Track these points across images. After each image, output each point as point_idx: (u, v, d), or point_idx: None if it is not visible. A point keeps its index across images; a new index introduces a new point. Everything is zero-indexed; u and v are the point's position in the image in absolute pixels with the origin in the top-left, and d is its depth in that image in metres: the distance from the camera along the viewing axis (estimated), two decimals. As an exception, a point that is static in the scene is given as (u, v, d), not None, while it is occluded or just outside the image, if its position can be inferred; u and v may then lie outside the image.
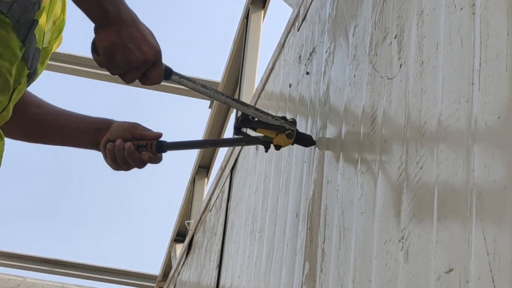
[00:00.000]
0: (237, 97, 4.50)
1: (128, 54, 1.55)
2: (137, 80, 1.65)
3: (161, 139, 1.87)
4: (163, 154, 1.88)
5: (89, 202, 12.24)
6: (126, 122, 1.91)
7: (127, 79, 1.61)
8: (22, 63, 1.55)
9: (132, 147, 1.84)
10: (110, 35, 1.52)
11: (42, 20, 1.62)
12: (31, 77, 1.62)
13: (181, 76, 1.76)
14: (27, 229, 12.25)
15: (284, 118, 1.90)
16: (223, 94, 1.86)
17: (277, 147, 1.91)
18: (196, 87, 1.81)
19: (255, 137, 1.93)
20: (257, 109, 1.89)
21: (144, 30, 1.58)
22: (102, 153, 1.87)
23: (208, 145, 2.07)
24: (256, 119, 1.89)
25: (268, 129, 1.89)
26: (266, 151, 1.94)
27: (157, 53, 1.61)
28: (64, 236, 12.39)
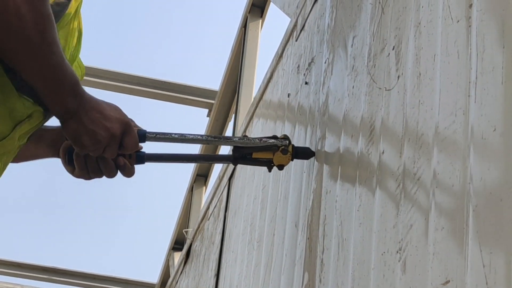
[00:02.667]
0: (235, 106, 4.51)
1: (94, 135, 1.63)
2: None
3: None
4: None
5: (87, 211, 12.23)
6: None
7: (108, 155, 1.68)
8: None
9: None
10: (72, 125, 1.59)
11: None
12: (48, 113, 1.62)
13: (156, 134, 1.79)
14: (25, 237, 12.24)
15: (274, 137, 1.91)
16: (204, 137, 1.87)
17: (280, 167, 1.91)
18: (174, 138, 1.82)
19: (256, 160, 1.92)
20: (242, 138, 1.90)
21: (104, 110, 1.65)
22: (62, 158, 1.82)
23: (195, 160, 2.05)
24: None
25: (263, 151, 1.90)
26: (270, 171, 1.95)
27: (123, 124, 1.67)
28: (62, 245, 12.39)
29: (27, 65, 1.47)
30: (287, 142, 1.90)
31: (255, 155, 1.90)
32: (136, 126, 1.77)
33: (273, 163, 1.90)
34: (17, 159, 1.78)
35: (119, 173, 1.81)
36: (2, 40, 1.42)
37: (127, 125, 1.68)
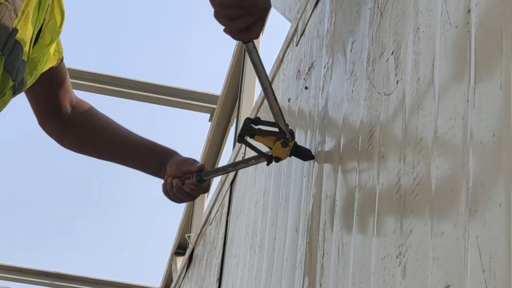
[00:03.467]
0: (236, 111, 4.52)
1: None
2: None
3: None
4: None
5: (89, 215, 12.24)
6: (177, 158, 2.06)
7: (238, 24, 1.59)
8: (6, 74, 1.56)
9: (179, 183, 2.01)
10: None
11: (28, 31, 1.63)
12: (18, 89, 1.63)
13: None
14: (27, 242, 12.25)
15: (280, 128, 1.91)
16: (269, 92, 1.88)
17: (277, 159, 1.91)
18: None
19: (257, 149, 1.93)
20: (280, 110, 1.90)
21: None
22: (163, 187, 2.06)
23: (231, 168, 2.18)
24: (257, 126, 1.90)
25: (266, 136, 1.90)
26: (268, 164, 1.95)
27: (270, 6, 1.62)
28: (64, 249, 12.39)
29: None
30: (291, 137, 1.90)
31: (257, 138, 1.91)
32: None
33: (271, 154, 1.90)
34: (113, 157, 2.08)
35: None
36: None
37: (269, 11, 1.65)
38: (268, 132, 1.91)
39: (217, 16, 1.58)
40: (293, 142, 1.90)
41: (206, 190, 2.05)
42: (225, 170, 2.17)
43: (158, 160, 2.08)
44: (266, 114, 2.86)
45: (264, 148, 1.95)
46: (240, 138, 1.93)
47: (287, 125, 1.91)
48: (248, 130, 1.91)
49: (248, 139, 1.93)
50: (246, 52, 4.43)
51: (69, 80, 2.06)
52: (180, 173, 2.02)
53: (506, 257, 0.99)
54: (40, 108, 2.02)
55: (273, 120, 1.91)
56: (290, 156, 1.92)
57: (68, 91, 2.05)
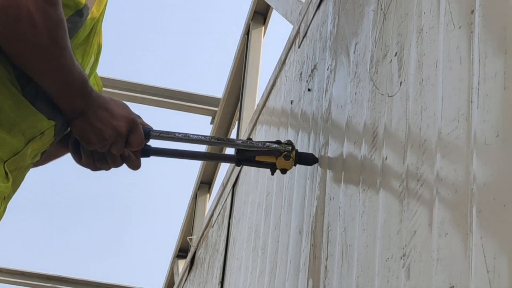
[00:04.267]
0: (238, 113, 4.51)
1: (101, 133, 1.67)
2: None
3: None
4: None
5: (91, 219, 12.24)
6: None
7: (114, 152, 1.72)
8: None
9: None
10: (79, 123, 1.64)
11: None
12: (60, 130, 1.63)
13: (160, 132, 1.81)
14: (29, 245, 12.25)
15: (278, 142, 1.91)
16: (207, 138, 1.88)
17: (283, 171, 1.92)
18: (178, 138, 1.84)
19: (259, 162, 1.93)
20: (245, 141, 1.92)
21: (111, 107, 1.69)
22: (70, 147, 1.79)
23: (199, 157, 2.06)
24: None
25: (266, 155, 1.91)
26: (272, 174, 1.96)
27: (130, 121, 1.70)
28: (66, 253, 12.39)
29: (38, 68, 1.53)
30: (290, 147, 1.90)
31: (258, 158, 1.91)
32: (142, 122, 1.80)
33: (276, 166, 1.91)
34: (41, 162, 1.84)
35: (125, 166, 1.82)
36: (15, 46, 1.49)
37: (133, 122, 1.71)
38: (267, 151, 1.91)
39: (97, 150, 1.72)
40: (294, 152, 1.91)
41: (138, 167, 1.83)
42: (178, 155, 1.94)
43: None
44: (268, 117, 2.86)
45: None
46: (238, 163, 1.95)
47: (279, 142, 1.92)
48: (244, 155, 1.91)
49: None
50: (247, 55, 4.44)
51: None
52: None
53: (510, 258, 0.99)
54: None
55: (274, 125, 1.92)
56: (295, 165, 1.93)
57: None
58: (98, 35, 1.70)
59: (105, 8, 1.70)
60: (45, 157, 1.82)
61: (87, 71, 1.69)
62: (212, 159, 2.20)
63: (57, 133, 1.62)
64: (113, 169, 1.87)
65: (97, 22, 1.66)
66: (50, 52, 1.50)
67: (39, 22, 1.46)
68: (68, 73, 1.56)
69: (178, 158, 1.94)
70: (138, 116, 1.79)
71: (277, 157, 1.90)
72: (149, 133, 1.78)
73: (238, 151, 1.92)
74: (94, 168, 1.81)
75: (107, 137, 1.67)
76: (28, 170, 1.63)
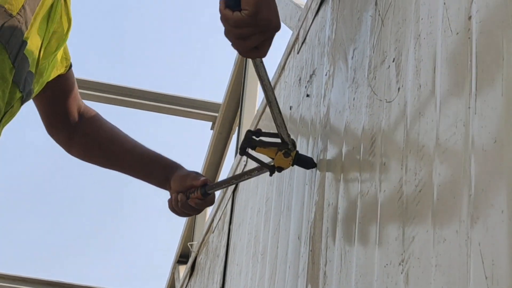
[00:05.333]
0: (238, 119, 4.52)
1: (269, 13, 1.52)
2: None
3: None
4: None
5: (92, 224, 12.24)
6: (180, 173, 2.09)
7: (250, 43, 1.56)
8: (14, 85, 1.57)
9: (184, 198, 2.04)
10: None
11: (35, 41, 1.64)
12: (26, 99, 1.64)
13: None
14: (30, 251, 12.24)
15: (282, 139, 1.92)
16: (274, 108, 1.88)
17: (279, 169, 1.92)
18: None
19: (260, 160, 1.94)
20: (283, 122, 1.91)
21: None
22: (169, 203, 2.11)
23: (235, 180, 2.18)
24: (258, 138, 1.91)
25: (267, 147, 1.91)
26: (271, 175, 1.96)
27: (280, 26, 1.59)
28: (67, 258, 12.38)
29: None
30: (293, 147, 1.91)
31: (258, 149, 1.91)
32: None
33: (274, 164, 1.91)
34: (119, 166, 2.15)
35: None
36: None
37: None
38: (270, 143, 1.92)
39: (229, 34, 1.57)
40: (294, 152, 1.91)
41: (212, 202, 2.08)
42: (228, 182, 2.18)
43: (162, 174, 2.11)
44: (267, 122, 2.86)
45: (266, 159, 1.95)
46: (242, 151, 1.94)
47: (289, 135, 1.92)
48: (250, 142, 1.92)
49: (250, 151, 1.94)
50: (247, 60, 4.44)
51: (77, 88, 2.07)
52: (184, 188, 2.05)
53: (508, 264, 0.99)
54: (48, 115, 2.03)
55: (274, 131, 1.92)
56: (292, 165, 1.93)
57: (76, 99, 2.06)
58: (55, 16, 1.69)
59: None
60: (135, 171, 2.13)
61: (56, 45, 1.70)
62: (248, 174, 2.20)
63: (23, 103, 1.64)
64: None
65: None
66: None
67: None
68: None
69: (230, 185, 2.33)
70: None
71: (277, 152, 1.90)
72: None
73: (244, 139, 1.93)
74: (180, 215, 2.11)
75: (271, 22, 1.54)
76: None
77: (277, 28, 1.59)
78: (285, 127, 1.91)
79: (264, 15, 1.52)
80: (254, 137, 1.93)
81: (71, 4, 1.77)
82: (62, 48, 1.81)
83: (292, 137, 1.96)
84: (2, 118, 1.56)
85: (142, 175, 2.13)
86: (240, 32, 1.55)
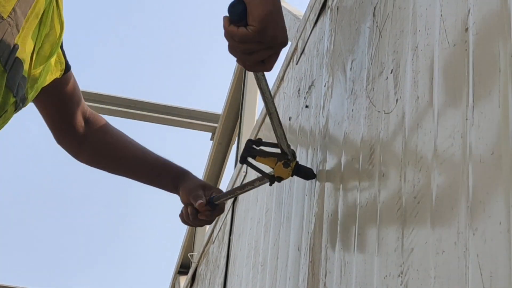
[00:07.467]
0: (238, 129, 4.52)
1: (276, 29, 1.48)
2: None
3: None
4: None
5: (92, 234, 12.23)
6: (187, 185, 2.13)
7: (256, 57, 1.54)
8: (7, 90, 1.56)
9: (194, 212, 2.09)
10: (267, 3, 1.48)
11: (28, 45, 1.63)
12: (20, 105, 1.64)
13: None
14: (29, 262, 12.23)
15: (283, 149, 1.93)
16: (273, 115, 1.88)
17: (279, 179, 1.92)
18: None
19: (260, 169, 1.94)
20: (284, 134, 1.91)
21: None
22: (180, 217, 2.17)
23: (240, 191, 2.20)
24: (259, 147, 1.92)
25: (267, 157, 1.91)
26: (271, 185, 1.96)
27: (287, 41, 1.56)
28: (68, 268, 12.37)
29: None
30: (292, 157, 1.91)
31: (258, 159, 1.92)
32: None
33: (273, 174, 1.91)
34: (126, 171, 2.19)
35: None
36: None
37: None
38: (270, 153, 1.92)
39: (234, 50, 1.54)
40: (294, 162, 1.91)
41: (221, 211, 2.12)
42: (233, 193, 2.19)
43: (170, 183, 2.15)
44: (267, 133, 2.87)
45: (266, 168, 1.96)
46: (242, 159, 1.95)
47: (289, 146, 1.92)
48: (250, 151, 1.93)
49: (250, 160, 1.95)
50: (246, 71, 4.45)
51: (80, 92, 2.06)
52: (192, 199, 2.10)
53: (507, 275, 0.99)
54: (53, 122, 2.04)
55: (274, 141, 1.93)
56: (292, 176, 1.93)
57: (79, 103, 2.05)
58: (47, 19, 1.69)
59: None
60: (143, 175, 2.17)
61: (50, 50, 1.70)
62: (251, 184, 2.20)
63: (17, 109, 1.64)
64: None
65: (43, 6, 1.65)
66: None
67: None
68: None
69: (235, 196, 2.28)
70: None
71: (276, 162, 1.91)
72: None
73: (245, 148, 1.95)
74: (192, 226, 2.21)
75: (278, 37, 1.51)
76: None
77: (284, 44, 1.56)
78: (285, 138, 1.91)
79: (270, 32, 1.50)
80: (254, 146, 1.94)
81: (63, 7, 1.76)
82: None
83: (291, 147, 1.96)
84: None
85: (150, 181, 2.18)
86: (247, 48, 1.52)
